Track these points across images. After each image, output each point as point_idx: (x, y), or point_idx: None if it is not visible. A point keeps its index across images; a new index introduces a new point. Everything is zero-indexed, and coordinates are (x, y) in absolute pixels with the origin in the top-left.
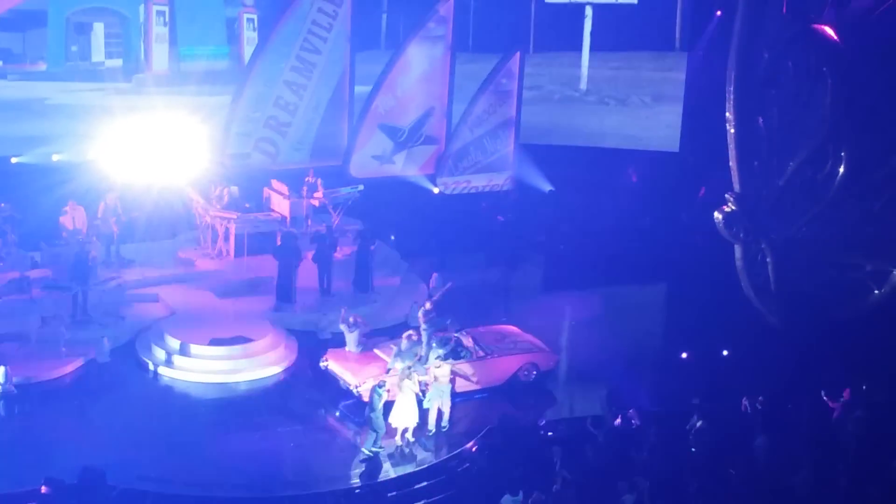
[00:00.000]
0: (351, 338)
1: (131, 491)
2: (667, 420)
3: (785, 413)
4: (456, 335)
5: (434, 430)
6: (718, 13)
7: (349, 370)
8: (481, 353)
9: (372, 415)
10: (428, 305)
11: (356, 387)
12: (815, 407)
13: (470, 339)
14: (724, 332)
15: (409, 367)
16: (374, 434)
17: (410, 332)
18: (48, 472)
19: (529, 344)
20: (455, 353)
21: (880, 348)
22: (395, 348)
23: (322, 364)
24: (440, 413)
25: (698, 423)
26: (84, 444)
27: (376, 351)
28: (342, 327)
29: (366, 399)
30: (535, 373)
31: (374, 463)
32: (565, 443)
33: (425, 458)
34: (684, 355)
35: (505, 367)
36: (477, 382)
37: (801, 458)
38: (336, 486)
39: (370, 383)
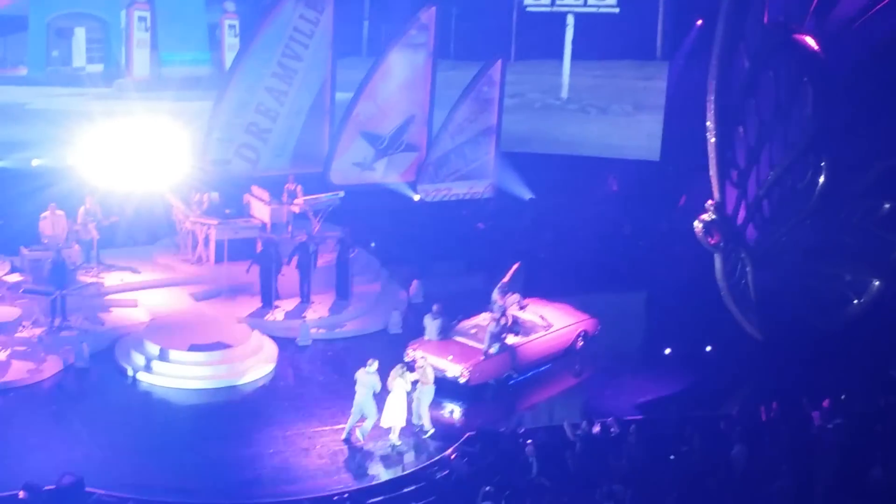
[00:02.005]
0: (433, 326)
1: (109, 497)
2: (646, 428)
3: (763, 422)
4: (515, 314)
5: (430, 430)
6: (699, 22)
7: (443, 358)
8: (546, 326)
9: (364, 399)
10: (506, 280)
11: (462, 373)
12: (794, 416)
13: (538, 315)
14: (703, 341)
15: (403, 366)
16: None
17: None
18: (26, 477)
19: (574, 312)
20: (512, 330)
21: (859, 357)
22: (487, 332)
23: (408, 357)
24: (420, 416)
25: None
26: (62, 449)
27: (457, 338)
28: (426, 318)
29: (462, 381)
30: (584, 340)
31: (353, 469)
32: (544, 450)
33: (405, 464)
34: (667, 351)
35: (566, 337)
36: (544, 355)
37: (780, 467)
38: (315, 493)
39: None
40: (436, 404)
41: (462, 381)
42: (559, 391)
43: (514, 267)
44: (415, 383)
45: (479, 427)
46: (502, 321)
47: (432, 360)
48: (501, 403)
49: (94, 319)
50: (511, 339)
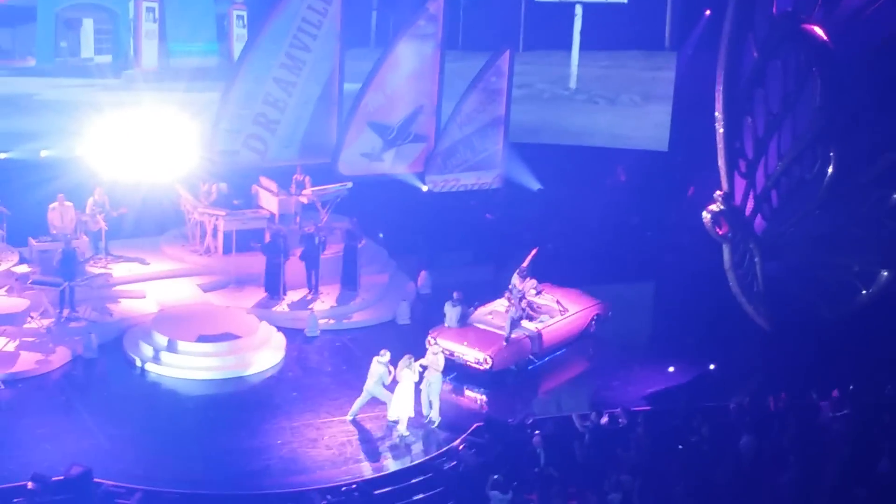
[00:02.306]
0: (454, 313)
1: (118, 487)
2: (654, 419)
3: (772, 412)
4: (532, 299)
5: (438, 420)
6: (707, 12)
7: (466, 345)
8: (563, 311)
9: (373, 387)
10: (525, 266)
11: (486, 359)
12: (803, 406)
13: (554, 300)
14: (712, 332)
15: (410, 357)
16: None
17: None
18: (34, 467)
19: (586, 296)
20: (529, 317)
21: (868, 348)
22: (508, 318)
23: (430, 343)
24: (430, 405)
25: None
26: (71, 440)
27: (477, 325)
28: (447, 305)
29: (486, 367)
30: (596, 323)
31: (361, 460)
32: (552, 440)
33: (413, 455)
34: (671, 369)
35: (581, 321)
36: (562, 339)
37: (788, 458)
38: (323, 484)
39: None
40: (458, 390)
41: (486, 367)
42: (567, 382)
43: (532, 252)
44: (423, 373)
45: (487, 418)
46: (522, 305)
47: (454, 347)
48: (510, 394)
49: (103, 310)
50: (531, 325)
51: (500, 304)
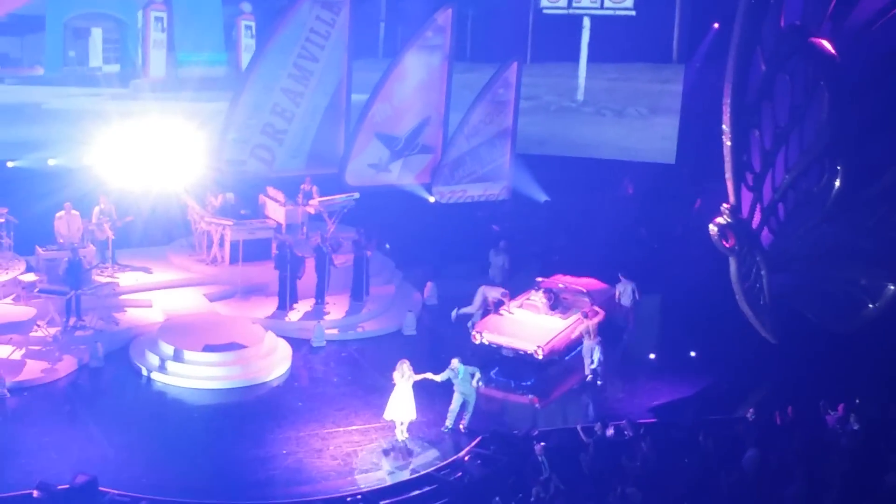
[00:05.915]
0: (499, 260)
1: (123, 497)
2: (660, 431)
3: (778, 426)
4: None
5: (450, 427)
6: (716, 25)
7: (515, 337)
8: (593, 301)
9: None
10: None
11: (538, 350)
12: (809, 420)
13: (582, 290)
14: (717, 344)
15: (404, 362)
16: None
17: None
18: (40, 476)
19: (600, 283)
20: (555, 307)
21: (874, 362)
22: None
23: (476, 338)
24: (463, 411)
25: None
26: (76, 448)
27: (513, 315)
28: (491, 254)
29: (538, 357)
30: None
31: (366, 470)
32: (557, 452)
33: (418, 466)
34: (693, 354)
35: (606, 308)
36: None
37: (794, 472)
38: (328, 494)
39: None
40: (504, 385)
41: (539, 356)
42: (573, 393)
43: None
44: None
45: (493, 429)
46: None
47: (501, 340)
48: (515, 405)
49: (109, 319)
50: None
51: (533, 297)
